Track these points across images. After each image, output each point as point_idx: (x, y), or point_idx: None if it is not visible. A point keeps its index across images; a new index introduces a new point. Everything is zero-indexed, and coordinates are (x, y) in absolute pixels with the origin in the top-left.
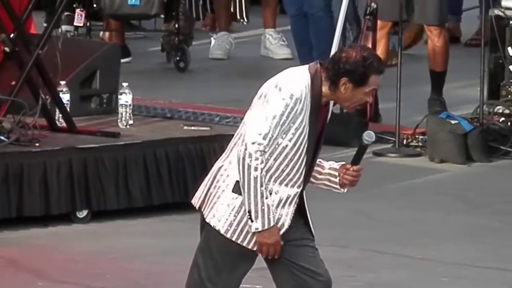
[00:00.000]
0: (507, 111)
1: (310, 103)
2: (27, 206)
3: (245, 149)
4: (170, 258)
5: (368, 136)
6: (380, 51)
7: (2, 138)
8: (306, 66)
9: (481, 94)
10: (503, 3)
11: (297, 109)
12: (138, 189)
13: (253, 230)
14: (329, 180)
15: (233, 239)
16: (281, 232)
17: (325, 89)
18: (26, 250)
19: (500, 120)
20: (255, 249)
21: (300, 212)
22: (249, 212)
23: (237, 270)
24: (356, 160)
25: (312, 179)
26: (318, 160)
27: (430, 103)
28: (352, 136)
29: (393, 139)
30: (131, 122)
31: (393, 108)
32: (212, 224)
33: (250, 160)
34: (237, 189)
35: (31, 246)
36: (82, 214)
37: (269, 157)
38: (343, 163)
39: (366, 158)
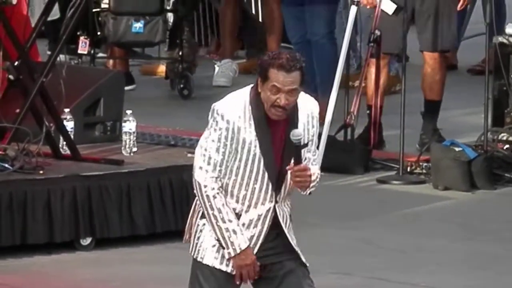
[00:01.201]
0: (511, 139)
1: (254, 119)
2: (30, 234)
3: (196, 181)
4: (173, 286)
5: (294, 134)
6: (381, 80)
7: (6, 165)
8: (249, 86)
9: (485, 121)
10: (507, 31)
11: (233, 129)
12: (141, 216)
13: (226, 256)
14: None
15: (216, 266)
16: (255, 250)
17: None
18: (29, 278)
19: (505, 148)
20: (229, 271)
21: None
22: (218, 240)
23: None
24: (296, 161)
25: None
26: None
27: (426, 134)
28: (356, 164)
29: (397, 166)
30: (135, 149)
31: (397, 135)
32: (193, 255)
33: (206, 190)
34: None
35: (35, 273)
36: (86, 241)
37: (228, 181)
38: (290, 166)
39: (370, 185)
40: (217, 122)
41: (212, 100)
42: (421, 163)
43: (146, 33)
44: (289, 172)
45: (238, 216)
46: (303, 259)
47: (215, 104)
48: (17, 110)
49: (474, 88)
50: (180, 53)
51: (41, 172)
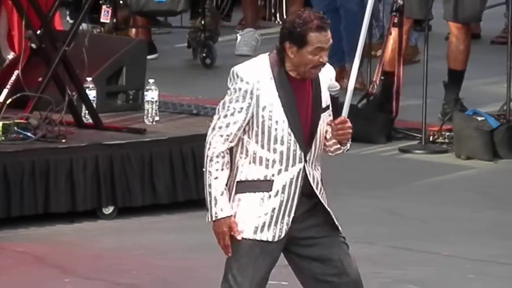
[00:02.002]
0: None
1: (275, 81)
2: (53, 203)
3: (207, 136)
4: (196, 254)
5: (331, 86)
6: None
7: (29, 134)
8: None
9: (508, 91)
10: None
11: (252, 92)
12: (163, 185)
13: (207, 220)
14: (335, 143)
15: (249, 237)
16: (290, 217)
17: (286, 62)
18: (52, 246)
19: None
20: (270, 240)
21: (317, 204)
22: (205, 198)
23: (260, 267)
24: (335, 114)
25: (329, 153)
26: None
27: (449, 103)
28: (379, 133)
29: (420, 135)
30: (157, 118)
31: (419, 105)
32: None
33: (208, 148)
34: (239, 189)
35: (58, 242)
36: (108, 210)
37: (256, 146)
38: (330, 120)
39: (392, 155)
40: (236, 83)
41: None
42: (443, 133)
43: (169, 2)
44: (320, 129)
45: (270, 182)
46: (339, 227)
47: (234, 67)
48: (40, 79)
49: (496, 58)
50: (203, 22)
51: (63, 140)
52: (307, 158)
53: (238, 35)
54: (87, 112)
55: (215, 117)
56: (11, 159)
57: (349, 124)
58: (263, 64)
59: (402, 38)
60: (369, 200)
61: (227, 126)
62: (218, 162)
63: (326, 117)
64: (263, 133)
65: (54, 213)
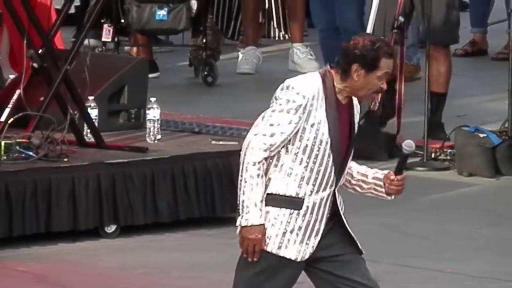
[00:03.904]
0: None
1: (324, 101)
2: (55, 221)
3: (248, 141)
4: (199, 273)
5: (407, 145)
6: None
7: (31, 153)
8: (317, 71)
9: (509, 108)
10: None
11: (305, 107)
12: (165, 204)
13: (237, 223)
14: (375, 189)
15: (273, 251)
16: (318, 239)
17: (338, 84)
18: (55, 265)
19: None
20: (293, 258)
21: (338, 223)
22: (238, 204)
23: (275, 284)
24: (399, 169)
25: (358, 189)
26: (363, 169)
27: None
28: (381, 150)
29: (421, 152)
30: (159, 137)
31: (421, 122)
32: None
33: (251, 153)
34: (268, 201)
35: (60, 261)
36: (111, 229)
37: (293, 163)
38: (387, 172)
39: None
40: (291, 95)
41: (236, 87)
42: (445, 150)
43: (170, 20)
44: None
45: (301, 200)
46: (361, 249)
47: (289, 80)
48: (42, 98)
49: (498, 75)
50: (204, 40)
51: (65, 159)
52: (338, 183)
53: (239, 53)
54: (89, 131)
55: (260, 122)
56: (13, 178)
57: (404, 181)
58: (316, 82)
59: (404, 55)
60: (372, 218)
61: (272, 135)
62: (259, 168)
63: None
64: (304, 150)
65: (56, 232)
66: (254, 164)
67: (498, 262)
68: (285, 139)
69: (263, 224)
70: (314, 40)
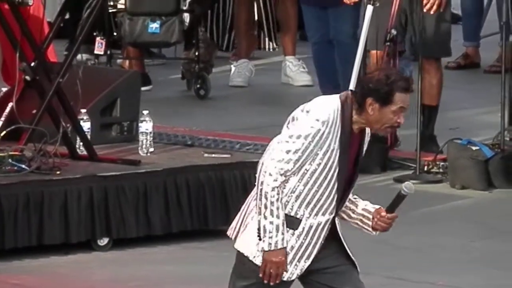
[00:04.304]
0: None
1: (340, 129)
2: (47, 234)
3: (264, 165)
4: (191, 286)
5: (407, 187)
6: None
7: (23, 166)
8: (337, 95)
9: (502, 120)
10: None
11: (323, 133)
12: (158, 216)
13: (259, 249)
14: (362, 221)
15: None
16: (308, 262)
17: (355, 114)
18: (47, 279)
19: None
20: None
21: (334, 239)
22: (258, 229)
23: None
24: (391, 208)
25: (345, 216)
26: (354, 197)
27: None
28: (374, 163)
29: (414, 165)
30: (151, 149)
31: (413, 135)
32: (241, 250)
33: (269, 178)
34: None
35: (52, 274)
36: (103, 242)
37: (299, 182)
38: (378, 207)
39: (387, 185)
40: (309, 121)
41: (229, 100)
42: (438, 163)
43: (162, 33)
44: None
45: (299, 220)
46: (357, 266)
47: (308, 105)
48: (34, 111)
49: (490, 87)
50: (197, 53)
51: (58, 172)
52: (338, 210)
53: (232, 66)
54: (81, 144)
55: (277, 147)
56: (5, 191)
57: (394, 220)
58: (335, 108)
59: (396, 68)
60: (364, 230)
61: (288, 161)
62: (278, 193)
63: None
64: (312, 174)
65: (48, 245)
66: (273, 189)
67: (491, 275)
68: (301, 164)
69: (285, 248)
70: (307, 52)
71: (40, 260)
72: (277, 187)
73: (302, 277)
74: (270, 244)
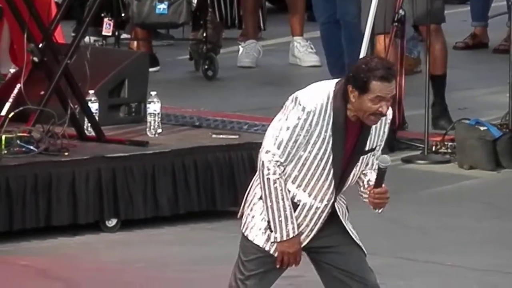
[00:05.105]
0: None
1: (332, 116)
2: (55, 215)
3: (261, 160)
4: (200, 267)
5: (383, 161)
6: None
7: (31, 147)
8: (335, 80)
9: (510, 100)
10: None
11: (311, 122)
12: (165, 197)
13: (272, 240)
14: (365, 197)
15: (263, 247)
16: (305, 242)
17: (349, 103)
18: (56, 260)
19: None
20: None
21: (335, 222)
22: (268, 222)
23: (266, 278)
24: (377, 183)
25: (359, 191)
26: (365, 171)
27: (434, 110)
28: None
29: (422, 146)
30: (159, 131)
31: (421, 115)
32: (242, 230)
33: (268, 173)
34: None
35: (61, 255)
36: (111, 223)
37: (293, 168)
38: (370, 187)
39: (395, 165)
40: (296, 110)
41: (237, 81)
42: (446, 143)
43: (170, 14)
44: (355, 171)
45: (296, 205)
46: (362, 246)
47: (299, 93)
48: (42, 92)
49: (498, 67)
50: (205, 34)
51: (66, 154)
52: (337, 196)
53: (240, 47)
54: (89, 125)
55: (270, 138)
56: (13, 172)
57: (387, 195)
58: (325, 96)
59: (404, 49)
60: (371, 211)
61: (282, 154)
62: (280, 184)
63: (368, 158)
64: (305, 160)
65: (56, 226)
66: (275, 182)
67: (499, 255)
68: (294, 153)
69: (299, 234)
70: (314, 33)
71: (49, 241)
72: (278, 178)
73: (311, 254)
74: (282, 235)
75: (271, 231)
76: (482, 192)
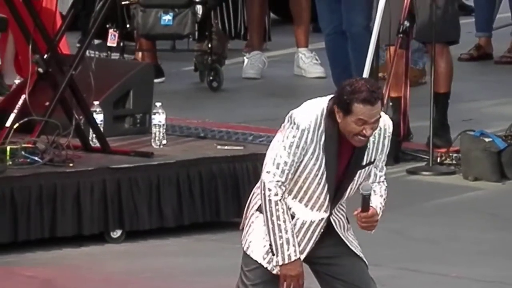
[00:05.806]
0: None
1: (324, 134)
2: (60, 227)
3: (263, 181)
4: (205, 277)
5: (364, 188)
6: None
7: (36, 158)
8: (328, 97)
9: None
10: None
11: (306, 140)
12: (170, 208)
13: (274, 263)
14: None
15: (265, 266)
16: (303, 256)
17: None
18: (61, 271)
19: None
20: (274, 272)
21: (333, 235)
22: (270, 245)
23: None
24: (363, 209)
25: None
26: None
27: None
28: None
29: (427, 157)
30: (164, 142)
31: (426, 127)
32: (242, 244)
33: (269, 194)
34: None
35: (66, 266)
36: (116, 234)
37: (289, 183)
38: (359, 209)
39: (400, 177)
40: (291, 129)
41: (242, 92)
42: (451, 154)
43: (175, 25)
44: (352, 185)
45: (292, 216)
46: (363, 257)
47: (293, 112)
48: (47, 103)
49: (502, 79)
50: (209, 45)
51: (70, 164)
52: (332, 210)
53: (245, 58)
54: (94, 136)
55: (270, 159)
56: (18, 183)
57: (376, 218)
58: (317, 113)
59: (409, 60)
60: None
61: (281, 175)
62: (282, 205)
63: (367, 171)
64: (299, 176)
65: (60, 237)
66: (276, 204)
67: (504, 267)
68: (294, 171)
69: (300, 258)
70: (319, 44)
71: (53, 252)
72: (279, 200)
73: (312, 265)
74: (283, 258)
75: (273, 254)
76: (486, 203)
